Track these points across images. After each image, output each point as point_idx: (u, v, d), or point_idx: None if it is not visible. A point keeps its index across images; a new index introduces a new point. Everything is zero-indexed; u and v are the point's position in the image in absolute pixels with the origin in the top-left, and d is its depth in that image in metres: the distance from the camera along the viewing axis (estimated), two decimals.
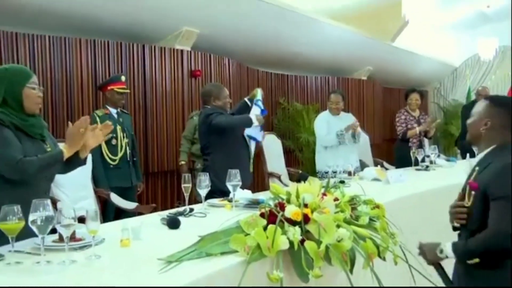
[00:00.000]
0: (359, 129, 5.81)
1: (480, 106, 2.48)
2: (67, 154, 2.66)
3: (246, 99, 4.86)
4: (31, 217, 2.00)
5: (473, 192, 2.35)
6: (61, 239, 2.23)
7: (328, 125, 5.73)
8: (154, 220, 2.96)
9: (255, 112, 4.66)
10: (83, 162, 2.83)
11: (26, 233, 2.15)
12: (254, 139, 4.83)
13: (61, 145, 2.73)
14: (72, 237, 2.21)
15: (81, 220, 2.23)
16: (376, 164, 6.47)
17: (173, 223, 2.78)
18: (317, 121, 5.91)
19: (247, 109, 4.73)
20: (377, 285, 2.35)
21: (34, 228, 2.01)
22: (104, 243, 2.36)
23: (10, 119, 2.59)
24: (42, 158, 2.61)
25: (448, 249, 2.37)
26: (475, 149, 5.84)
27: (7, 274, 2.00)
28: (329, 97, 5.96)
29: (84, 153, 2.78)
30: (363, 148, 6.66)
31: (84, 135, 2.69)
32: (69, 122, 2.80)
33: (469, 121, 2.53)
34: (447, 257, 2.39)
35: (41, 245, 2.06)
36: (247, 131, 4.68)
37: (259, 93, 4.85)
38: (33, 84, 2.70)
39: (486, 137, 2.41)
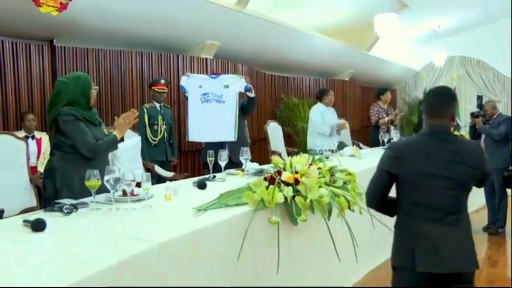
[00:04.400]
0: (347, 126, 5.99)
1: None
2: (118, 137, 2.83)
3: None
4: (105, 178, 2.19)
5: None
6: (124, 194, 2.42)
7: (322, 115, 5.76)
8: (187, 183, 3.09)
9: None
10: (120, 140, 2.93)
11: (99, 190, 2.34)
12: (247, 87, 4.29)
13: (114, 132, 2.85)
14: (132, 193, 2.41)
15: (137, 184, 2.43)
16: (353, 145, 6.60)
17: (201, 185, 2.91)
18: (314, 112, 5.85)
19: None
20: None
21: (108, 185, 2.20)
22: (154, 198, 2.51)
23: (81, 114, 2.73)
24: (106, 141, 2.77)
25: None
26: None
27: (91, 216, 2.20)
28: (327, 93, 5.91)
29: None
30: (345, 133, 6.77)
31: (129, 124, 2.86)
32: (115, 116, 2.95)
33: None
34: None
35: (112, 197, 2.26)
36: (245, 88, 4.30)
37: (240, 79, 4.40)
38: (94, 86, 2.87)
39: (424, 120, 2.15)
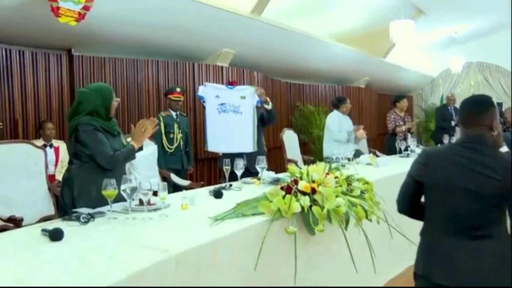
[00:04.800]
0: (364, 136, 5.94)
1: None
2: (136, 147, 2.84)
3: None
4: (122, 187, 2.19)
5: None
6: (140, 203, 2.43)
7: (339, 123, 5.70)
8: (203, 192, 3.07)
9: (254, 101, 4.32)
10: (140, 149, 2.95)
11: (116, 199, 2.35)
12: (259, 102, 4.36)
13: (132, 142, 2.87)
14: (148, 202, 2.41)
15: (154, 193, 2.44)
16: (370, 153, 6.54)
17: (217, 194, 2.88)
18: (331, 119, 5.77)
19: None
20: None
21: (124, 195, 2.20)
22: (170, 207, 2.51)
23: (100, 124, 2.75)
24: (124, 152, 2.78)
25: None
26: (445, 141, 5.95)
27: (108, 225, 2.21)
28: (344, 101, 5.85)
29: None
30: (361, 141, 6.71)
31: (146, 133, 2.86)
32: (131, 125, 2.96)
33: None
34: None
35: (129, 206, 2.27)
36: (258, 101, 4.32)
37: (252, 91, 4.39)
38: (115, 97, 2.89)
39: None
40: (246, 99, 4.29)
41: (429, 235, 2.02)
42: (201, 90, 4.37)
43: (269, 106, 4.34)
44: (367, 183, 3.02)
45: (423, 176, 2.00)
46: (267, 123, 4.57)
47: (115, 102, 2.88)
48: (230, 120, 4.30)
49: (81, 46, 5.27)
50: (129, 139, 2.92)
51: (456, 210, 1.91)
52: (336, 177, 2.83)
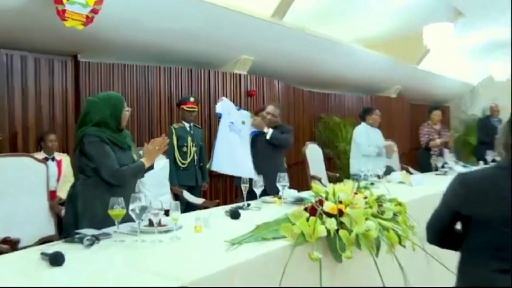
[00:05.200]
0: (395, 149, 5.87)
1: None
2: (146, 165, 2.84)
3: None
4: (131, 207, 2.18)
5: None
6: (150, 224, 2.40)
7: (368, 136, 5.70)
8: (219, 212, 3.05)
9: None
10: (151, 168, 2.95)
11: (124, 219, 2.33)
12: (254, 133, 4.50)
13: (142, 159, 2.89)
14: (159, 223, 2.39)
15: (165, 212, 2.43)
16: (402, 170, 6.46)
17: (234, 215, 2.86)
18: (358, 132, 5.80)
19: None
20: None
21: (133, 215, 2.19)
22: (182, 229, 2.47)
23: (107, 136, 2.76)
24: (132, 168, 2.79)
25: None
26: (488, 157, 5.81)
27: (114, 248, 2.19)
28: (371, 112, 5.90)
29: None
30: (393, 156, 6.65)
31: (159, 152, 2.87)
32: (145, 143, 2.97)
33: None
34: None
35: (138, 227, 2.24)
36: (252, 132, 4.48)
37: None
38: (126, 107, 2.90)
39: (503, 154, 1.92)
40: (245, 125, 4.43)
41: (469, 270, 1.92)
42: (219, 106, 4.40)
43: (267, 136, 4.45)
44: (400, 204, 2.96)
45: (459, 204, 1.91)
46: (281, 148, 4.67)
47: (127, 112, 2.89)
48: (237, 141, 4.36)
49: (88, 51, 5.34)
50: (141, 152, 2.92)
51: (503, 245, 1.80)
52: (365, 197, 2.78)
